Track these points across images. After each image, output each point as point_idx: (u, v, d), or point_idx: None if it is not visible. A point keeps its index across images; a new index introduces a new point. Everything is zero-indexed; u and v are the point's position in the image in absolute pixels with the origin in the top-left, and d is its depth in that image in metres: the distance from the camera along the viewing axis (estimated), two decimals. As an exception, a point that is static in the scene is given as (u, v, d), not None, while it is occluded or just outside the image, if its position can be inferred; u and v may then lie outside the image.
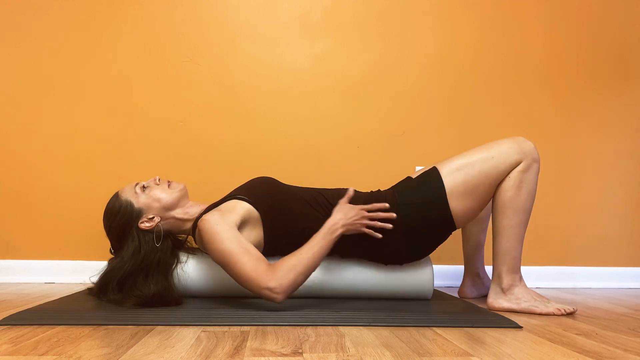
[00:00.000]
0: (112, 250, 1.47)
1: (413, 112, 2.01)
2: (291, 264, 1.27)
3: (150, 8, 1.94)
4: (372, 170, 1.98)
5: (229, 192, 1.50)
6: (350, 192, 1.42)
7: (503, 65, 2.05)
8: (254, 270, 1.25)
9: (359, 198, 1.49)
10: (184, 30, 1.95)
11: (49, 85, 1.91)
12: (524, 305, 1.39)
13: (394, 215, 1.38)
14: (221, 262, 1.31)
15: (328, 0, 2.00)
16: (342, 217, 1.36)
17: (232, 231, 1.31)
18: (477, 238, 1.68)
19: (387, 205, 1.40)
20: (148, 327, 1.11)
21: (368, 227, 1.38)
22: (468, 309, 1.40)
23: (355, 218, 1.36)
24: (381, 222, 1.39)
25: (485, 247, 1.71)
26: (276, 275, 1.24)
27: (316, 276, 1.48)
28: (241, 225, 1.37)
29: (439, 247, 1.50)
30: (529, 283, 1.90)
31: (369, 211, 1.39)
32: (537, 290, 1.82)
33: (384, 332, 1.10)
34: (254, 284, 1.25)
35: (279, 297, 1.24)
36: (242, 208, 1.39)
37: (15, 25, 1.90)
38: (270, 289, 1.24)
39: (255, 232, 1.41)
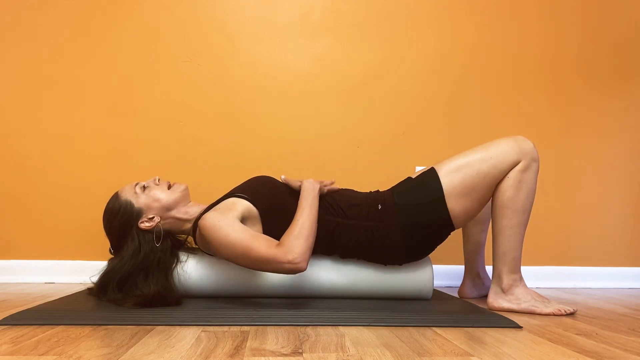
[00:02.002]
0: (112, 250, 1.47)
1: (413, 112, 2.01)
2: (296, 232, 1.30)
3: (151, 8, 1.94)
4: (372, 170, 1.98)
5: (228, 191, 1.50)
6: (283, 178, 1.53)
7: (502, 65, 2.05)
8: (269, 250, 1.27)
9: (357, 198, 1.50)
10: (184, 30, 1.95)
11: (49, 86, 1.91)
12: (524, 305, 1.39)
13: (334, 180, 1.57)
14: (233, 255, 1.31)
15: (328, 0, 2.00)
16: (311, 181, 1.47)
17: (236, 223, 1.33)
18: (478, 238, 1.68)
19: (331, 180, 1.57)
20: (148, 327, 1.11)
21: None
22: (468, 309, 1.40)
23: (316, 183, 1.47)
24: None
25: (485, 247, 1.71)
26: (289, 248, 1.26)
27: (316, 276, 1.48)
28: (241, 222, 1.37)
29: (439, 247, 1.50)
30: (529, 283, 1.90)
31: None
32: (537, 290, 1.82)
33: (384, 332, 1.10)
34: (274, 263, 1.27)
35: (302, 264, 1.27)
36: (241, 205, 1.39)
37: (16, 26, 1.90)
38: (291, 262, 1.26)
39: (255, 230, 1.41)
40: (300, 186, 1.46)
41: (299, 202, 1.40)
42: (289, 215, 1.43)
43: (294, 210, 1.44)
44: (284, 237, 1.30)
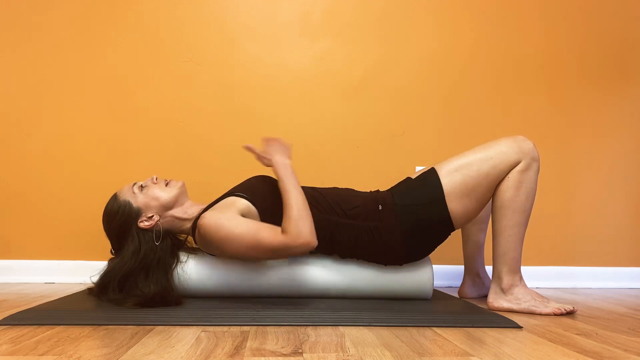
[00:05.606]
0: (113, 251, 1.47)
1: (413, 112, 2.01)
2: (295, 214, 1.30)
3: (151, 8, 1.94)
4: (372, 170, 1.98)
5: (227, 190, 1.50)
6: (250, 146, 1.49)
7: (502, 65, 2.05)
8: (278, 237, 1.28)
9: (357, 198, 1.50)
10: (184, 30, 1.95)
11: (49, 85, 1.91)
12: (524, 305, 1.39)
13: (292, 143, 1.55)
14: (239, 249, 1.31)
15: (328, 1, 2.00)
16: (281, 152, 1.45)
17: (237, 218, 1.33)
18: (477, 238, 1.68)
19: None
20: (148, 327, 1.11)
21: None
22: (468, 309, 1.40)
23: (284, 157, 1.45)
24: None
25: (485, 246, 1.71)
26: (297, 232, 1.27)
27: (316, 276, 1.48)
28: None
29: (439, 247, 1.50)
30: (529, 283, 1.90)
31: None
32: (537, 290, 1.82)
33: (384, 332, 1.10)
34: (286, 249, 1.28)
35: (313, 241, 1.28)
36: (241, 204, 1.39)
37: (16, 25, 1.90)
38: (302, 244, 1.27)
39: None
40: (269, 164, 1.44)
41: (280, 183, 1.38)
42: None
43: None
44: (286, 224, 1.29)
